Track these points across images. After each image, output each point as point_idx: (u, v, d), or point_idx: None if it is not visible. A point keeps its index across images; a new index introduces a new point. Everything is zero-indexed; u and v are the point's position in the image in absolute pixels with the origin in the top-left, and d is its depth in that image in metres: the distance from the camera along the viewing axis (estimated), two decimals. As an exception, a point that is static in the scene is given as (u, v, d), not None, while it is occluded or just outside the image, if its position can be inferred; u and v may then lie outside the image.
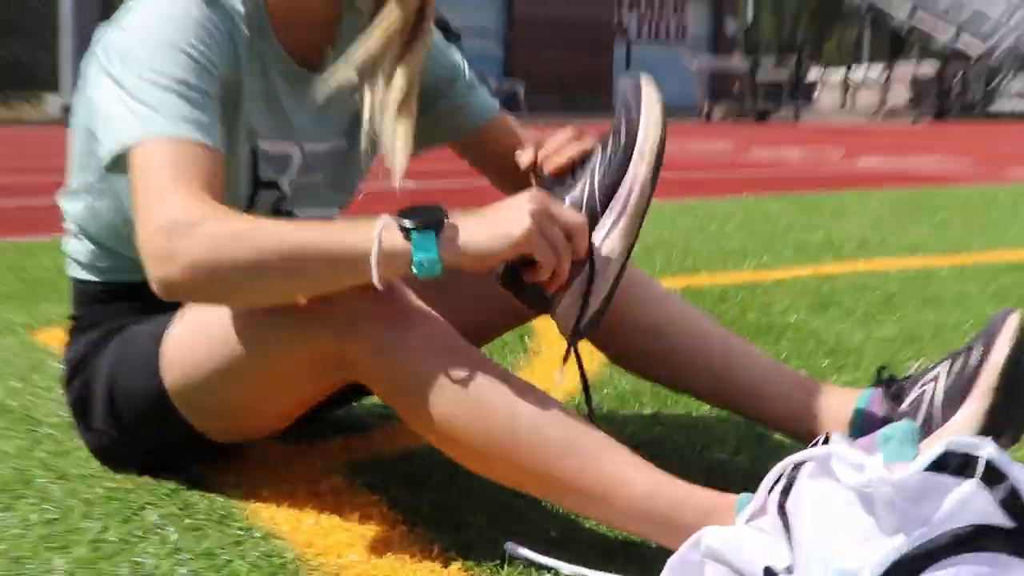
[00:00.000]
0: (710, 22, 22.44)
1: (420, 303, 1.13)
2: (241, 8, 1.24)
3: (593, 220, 1.13)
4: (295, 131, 1.32)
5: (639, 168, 1.13)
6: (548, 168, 1.21)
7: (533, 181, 1.25)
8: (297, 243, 1.06)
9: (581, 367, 1.20)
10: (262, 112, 1.28)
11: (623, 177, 1.13)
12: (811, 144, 10.44)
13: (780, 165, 7.59)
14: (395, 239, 1.05)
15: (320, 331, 1.12)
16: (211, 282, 1.06)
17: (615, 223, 1.13)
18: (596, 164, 1.15)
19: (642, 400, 1.69)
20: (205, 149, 1.13)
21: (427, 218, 1.05)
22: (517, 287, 1.12)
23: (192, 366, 1.21)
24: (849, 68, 22.66)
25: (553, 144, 1.24)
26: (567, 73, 20.07)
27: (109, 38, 1.20)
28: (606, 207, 1.13)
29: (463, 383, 1.08)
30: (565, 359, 1.18)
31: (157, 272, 1.07)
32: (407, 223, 1.04)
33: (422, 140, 1.46)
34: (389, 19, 1.24)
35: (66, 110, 11.46)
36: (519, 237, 1.05)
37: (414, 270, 1.04)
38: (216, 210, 1.08)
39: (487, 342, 1.49)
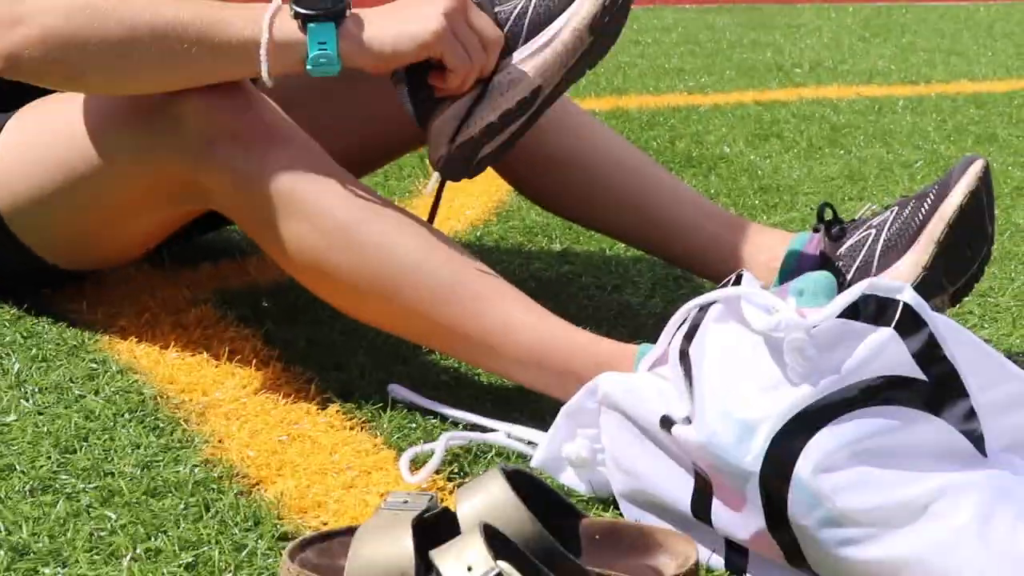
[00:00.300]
0: None
1: (288, 120, 1.14)
2: None
3: (511, 46, 1.15)
4: None
5: (583, 6, 1.14)
6: None
7: None
8: (173, 22, 1.05)
9: (440, 189, 1.21)
10: None
11: (563, 11, 1.15)
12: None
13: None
14: (289, 28, 1.05)
15: (170, 153, 1.12)
16: (65, 58, 1.05)
17: (533, 54, 1.15)
18: None
19: (551, 235, 1.75)
20: None
21: (326, 5, 1.05)
22: (413, 89, 1.14)
23: (24, 187, 1.21)
24: None
25: None
26: None
27: None
28: (532, 36, 1.15)
29: (333, 214, 1.10)
30: (432, 191, 1.21)
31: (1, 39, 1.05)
32: (303, 9, 1.05)
33: None
34: None
35: None
36: (430, 36, 1.06)
37: (308, 67, 1.05)
38: None
39: (372, 170, 1.51)
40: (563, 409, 1.06)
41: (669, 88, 3.15)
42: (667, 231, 1.41)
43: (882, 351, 0.95)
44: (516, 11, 1.16)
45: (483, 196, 1.94)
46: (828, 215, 1.34)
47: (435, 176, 1.18)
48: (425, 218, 1.19)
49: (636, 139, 2.44)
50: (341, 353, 1.27)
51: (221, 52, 1.06)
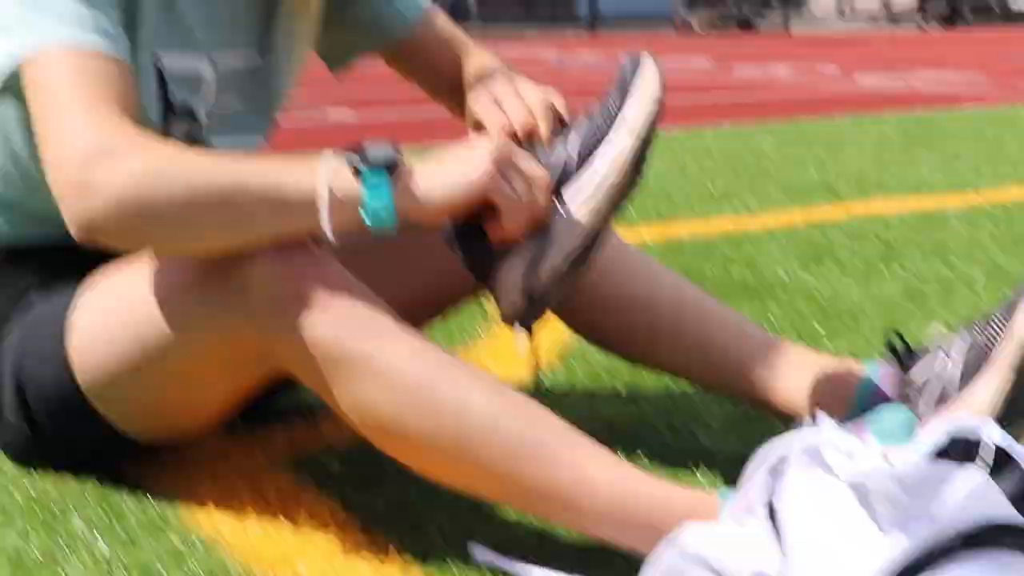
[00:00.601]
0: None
1: (353, 279, 1.15)
2: None
3: (561, 187, 1.18)
4: (198, 40, 1.30)
5: (625, 141, 1.17)
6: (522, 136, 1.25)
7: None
8: (236, 183, 1.08)
9: (532, 345, 1.23)
10: (158, 17, 1.26)
11: (605, 147, 1.17)
12: (803, 58, 10.51)
13: (767, 87, 7.66)
14: (345, 181, 1.08)
15: (239, 319, 1.14)
16: (135, 222, 1.08)
17: (585, 193, 1.17)
18: (577, 129, 1.20)
19: (617, 376, 1.76)
20: (114, 62, 1.13)
21: (379, 156, 1.08)
22: (466, 244, 1.17)
23: (102, 362, 1.24)
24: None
25: (517, 109, 1.28)
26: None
27: None
28: (582, 178, 1.17)
29: (404, 374, 1.11)
30: (526, 348, 1.22)
31: (73, 208, 1.08)
32: (358, 161, 1.08)
33: (344, 52, 1.50)
34: None
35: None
36: (479, 180, 1.10)
37: (366, 220, 1.08)
38: (139, 136, 1.09)
39: (427, 322, 1.53)
40: (646, 564, 1.05)
41: (717, 211, 3.18)
42: (734, 369, 1.41)
43: (976, 494, 0.94)
44: (562, 157, 1.19)
45: (544, 341, 1.95)
46: (896, 342, 1.33)
47: (520, 336, 1.20)
48: (487, 364, 1.20)
49: (690, 270, 2.45)
50: (420, 514, 1.27)
51: (283, 211, 1.09)
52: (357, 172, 1.08)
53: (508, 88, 1.32)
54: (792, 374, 1.39)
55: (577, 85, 7.44)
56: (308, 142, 4.77)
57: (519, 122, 1.26)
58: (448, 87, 1.48)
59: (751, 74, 8.65)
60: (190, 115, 1.32)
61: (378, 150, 1.09)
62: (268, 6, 1.37)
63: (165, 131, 1.30)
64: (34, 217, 1.34)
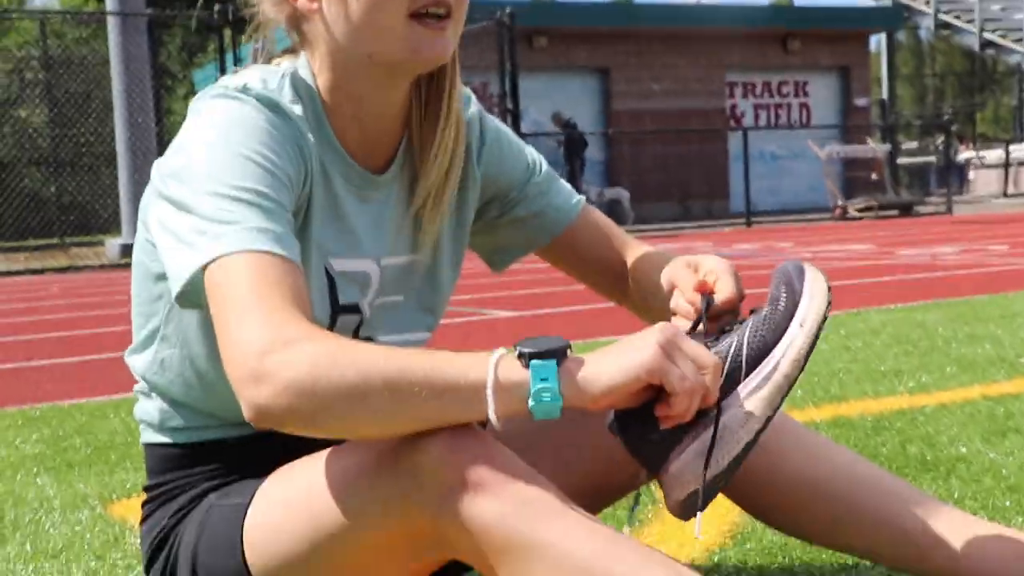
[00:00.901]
0: (838, 102, 22.54)
1: (522, 463, 1.16)
2: (299, 110, 1.31)
3: (734, 379, 1.18)
4: (367, 245, 1.38)
5: (797, 336, 1.19)
6: (719, 299, 1.30)
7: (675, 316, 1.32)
8: (404, 368, 1.10)
9: (702, 527, 1.20)
10: (330, 225, 1.34)
11: (779, 340, 1.19)
12: (968, 239, 10.32)
13: (933, 267, 7.51)
14: (512, 369, 1.10)
15: (412, 505, 1.15)
16: (308, 406, 1.10)
17: (758, 387, 1.18)
18: (748, 324, 1.22)
19: (791, 556, 1.70)
20: (286, 262, 1.17)
21: (548, 346, 1.10)
22: (632, 431, 1.17)
23: (277, 550, 1.25)
24: (1008, 144, 22.40)
25: (712, 271, 1.34)
26: (676, 174, 20.31)
27: (165, 163, 1.26)
28: (753, 368, 1.19)
29: (577, 556, 1.09)
30: (697, 527, 1.20)
31: (249, 395, 1.11)
32: (526, 350, 1.10)
33: (507, 252, 1.56)
34: (456, 116, 1.37)
35: (127, 250, 11.97)
36: (647, 362, 1.09)
37: (531, 405, 1.09)
38: (311, 328, 1.13)
39: (595, 511, 1.50)
40: None
41: (889, 391, 3.09)
42: (920, 546, 1.35)
43: None
44: (732, 348, 1.20)
45: (715, 520, 1.91)
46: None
47: (691, 521, 1.19)
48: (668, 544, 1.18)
49: (864, 447, 2.38)
50: None
51: (449, 395, 1.10)
52: (525, 361, 1.10)
53: (701, 258, 1.38)
54: (984, 547, 1.32)
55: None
56: (472, 342, 4.85)
57: (724, 292, 1.32)
58: (611, 278, 1.52)
59: (916, 257, 8.51)
60: (355, 311, 1.38)
61: (546, 340, 1.12)
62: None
63: (331, 327, 1.36)
64: (212, 418, 1.40)
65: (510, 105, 13.88)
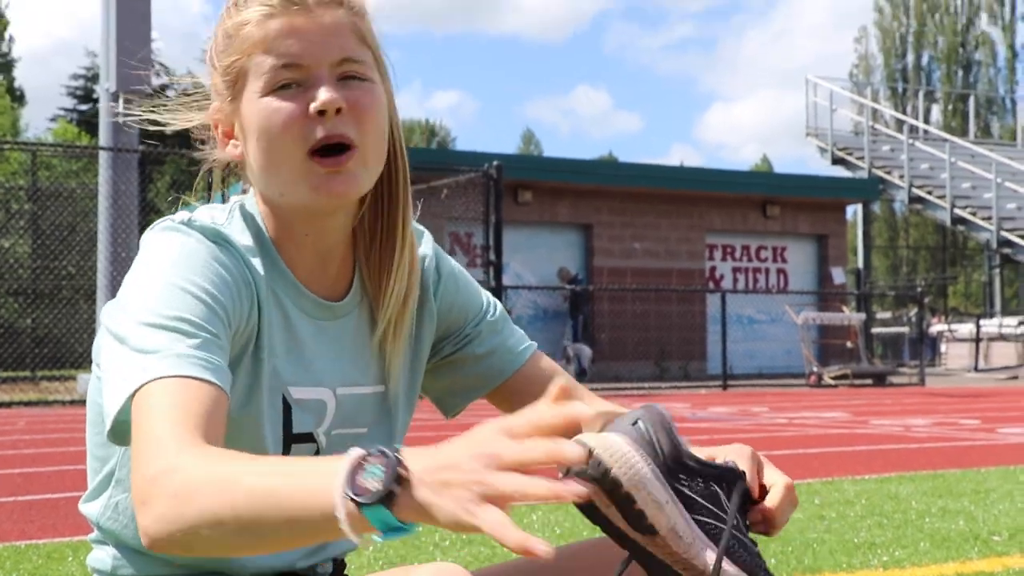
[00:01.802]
0: (815, 269, 22.87)
1: None
2: (247, 241, 1.33)
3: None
4: (324, 374, 1.37)
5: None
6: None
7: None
8: (253, 500, 1.03)
9: None
10: (287, 354, 1.34)
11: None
12: (941, 412, 10.35)
13: (906, 438, 7.51)
14: (353, 509, 0.98)
15: None
16: (180, 535, 1.05)
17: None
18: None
19: None
20: (204, 386, 1.15)
21: (371, 491, 0.97)
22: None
23: None
24: (979, 319, 22.70)
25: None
26: (654, 333, 20.43)
27: (116, 298, 1.26)
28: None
29: None
30: None
31: (139, 521, 1.08)
32: (354, 495, 0.98)
33: (458, 397, 1.55)
34: (410, 244, 1.40)
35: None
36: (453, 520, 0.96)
37: (383, 538, 0.99)
38: (198, 452, 1.08)
39: None
40: None
41: (863, 564, 3.06)
42: None
43: None
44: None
45: None
46: None
47: None
48: None
49: (838, 623, 2.33)
50: None
51: (309, 529, 1.02)
52: (358, 505, 0.98)
53: (714, 449, 1.36)
54: None
55: (709, 434, 7.41)
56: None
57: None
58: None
59: (889, 427, 8.52)
60: (309, 439, 1.37)
61: (370, 481, 0.99)
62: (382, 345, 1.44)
63: (285, 452, 1.34)
64: (167, 566, 1.37)
65: (493, 257, 14.01)
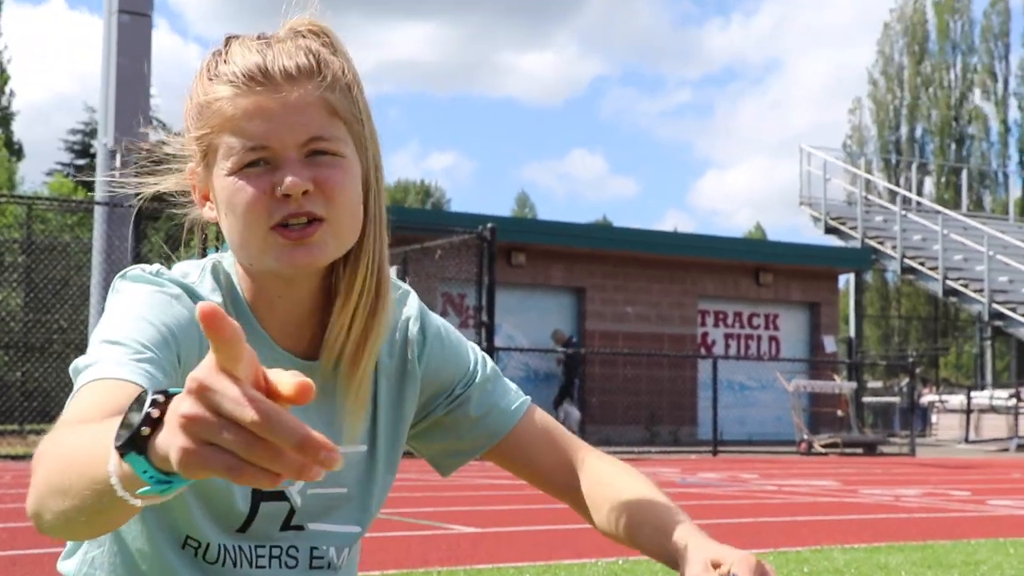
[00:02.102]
0: (807, 336, 22.91)
1: None
2: (217, 298, 1.36)
3: None
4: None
5: None
6: None
7: None
8: (63, 465, 1.01)
9: None
10: None
11: None
12: (931, 482, 10.32)
13: (896, 508, 7.49)
14: (121, 464, 0.93)
15: None
16: (40, 515, 1.05)
17: None
18: None
19: None
20: (130, 386, 1.14)
21: (123, 437, 0.92)
22: None
23: None
24: (970, 391, 22.70)
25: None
26: (645, 397, 20.41)
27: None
28: None
29: None
30: None
31: None
32: (118, 442, 0.92)
33: (454, 457, 1.56)
34: (361, 308, 1.38)
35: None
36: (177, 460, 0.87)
37: (146, 490, 0.93)
38: (61, 432, 1.06)
39: None
40: None
41: (851, 634, 3.03)
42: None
43: None
44: None
45: None
46: None
47: None
48: None
49: None
50: None
51: (104, 495, 0.96)
52: (120, 453, 0.92)
53: (721, 551, 1.36)
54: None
55: (699, 499, 7.38)
56: (434, 558, 4.76)
57: None
58: (559, 480, 1.54)
59: (879, 496, 8.49)
60: (281, 498, 1.38)
61: (124, 428, 0.92)
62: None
63: (253, 513, 1.36)
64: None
65: (485, 318, 14.02)
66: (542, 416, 1.57)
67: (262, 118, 1.29)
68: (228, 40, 1.36)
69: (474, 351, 1.56)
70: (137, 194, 1.47)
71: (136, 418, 0.90)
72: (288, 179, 1.28)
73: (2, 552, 4.51)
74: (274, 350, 1.38)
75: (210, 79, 1.33)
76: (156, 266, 1.37)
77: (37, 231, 17.79)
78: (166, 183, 1.44)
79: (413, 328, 1.50)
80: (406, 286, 1.53)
